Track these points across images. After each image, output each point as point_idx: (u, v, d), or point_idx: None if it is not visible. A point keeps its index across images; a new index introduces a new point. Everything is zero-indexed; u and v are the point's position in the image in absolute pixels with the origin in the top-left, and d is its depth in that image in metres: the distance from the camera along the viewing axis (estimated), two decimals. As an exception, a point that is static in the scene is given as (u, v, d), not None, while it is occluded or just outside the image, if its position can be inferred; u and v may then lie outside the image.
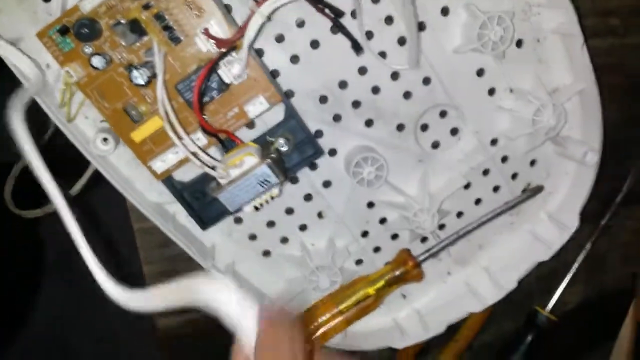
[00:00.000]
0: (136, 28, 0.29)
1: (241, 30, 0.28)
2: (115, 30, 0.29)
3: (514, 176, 0.40)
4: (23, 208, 0.37)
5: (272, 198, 0.32)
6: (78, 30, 0.28)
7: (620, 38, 0.44)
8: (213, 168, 0.30)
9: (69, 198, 0.35)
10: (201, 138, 0.32)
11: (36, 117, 0.30)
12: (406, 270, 0.38)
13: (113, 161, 0.34)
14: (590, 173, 0.39)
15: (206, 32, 0.29)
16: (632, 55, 0.44)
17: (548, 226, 0.41)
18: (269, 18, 0.29)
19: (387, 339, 0.41)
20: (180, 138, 0.29)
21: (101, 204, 0.41)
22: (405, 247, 0.40)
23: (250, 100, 0.31)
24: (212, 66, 0.29)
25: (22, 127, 0.25)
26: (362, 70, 0.36)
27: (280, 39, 0.34)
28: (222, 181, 0.30)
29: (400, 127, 0.38)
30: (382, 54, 0.36)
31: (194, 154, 0.30)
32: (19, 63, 0.29)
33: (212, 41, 0.29)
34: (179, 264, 0.39)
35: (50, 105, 0.31)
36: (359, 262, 0.41)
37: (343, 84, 0.36)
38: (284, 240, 0.39)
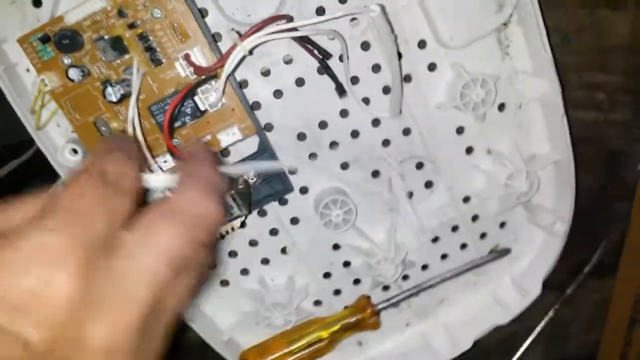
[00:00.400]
0: (118, 45, 0.29)
1: (221, 61, 0.28)
2: (97, 44, 0.29)
3: (483, 236, 0.40)
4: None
5: (233, 229, 0.31)
6: (59, 41, 0.28)
7: (604, 113, 0.44)
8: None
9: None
10: (169, 161, 0.31)
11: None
12: (364, 317, 0.38)
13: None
14: (557, 243, 0.39)
15: (187, 58, 0.29)
16: (614, 130, 0.45)
17: (510, 290, 0.40)
18: (250, 52, 0.29)
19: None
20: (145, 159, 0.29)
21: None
22: (366, 294, 0.39)
23: (224, 130, 0.31)
24: (188, 92, 0.29)
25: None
26: (344, 113, 0.36)
27: (266, 73, 0.34)
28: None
29: (375, 174, 0.38)
30: (366, 100, 0.36)
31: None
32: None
33: (191, 68, 0.29)
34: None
35: (23, 109, 0.30)
36: (317, 302, 0.40)
37: (323, 124, 0.36)
38: (244, 271, 0.38)
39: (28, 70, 0.32)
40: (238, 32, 0.28)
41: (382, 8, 0.28)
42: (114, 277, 0.16)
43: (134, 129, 0.28)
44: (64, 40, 0.28)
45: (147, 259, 0.16)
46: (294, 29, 0.28)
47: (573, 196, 0.38)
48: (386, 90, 0.36)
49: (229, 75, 0.28)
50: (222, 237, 0.31)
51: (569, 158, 0.37)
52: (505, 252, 0.40)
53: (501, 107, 0.37)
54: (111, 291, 0.16)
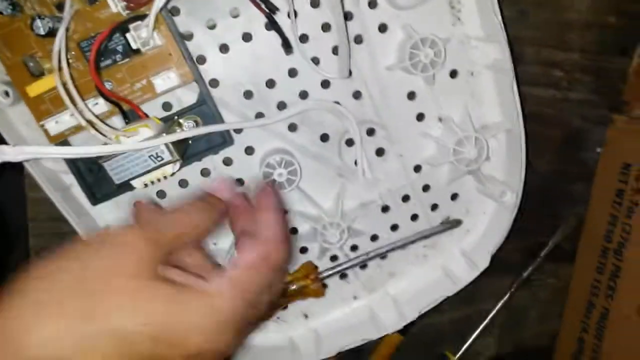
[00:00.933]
0: (49, -23, 0.28)
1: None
2: (27, -24, 0.28)
3: (434, 207, 0.39)
4: None
5: (165, 177, 0.30)
6: (-12, -29, 0.27)
7: (562, 91, 0.44)
8: (104, 135, 0.28)
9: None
10: (101, 104, 0.30)
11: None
12: (307, 283, 0.36)
13: (11, 117, 0.32)
14: (507, 215, 0.38)
15: (117, -8, 0.28)
16: (573, 110, 0.45)
17: (459, 262, 0.39)
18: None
19: (280, 357, 0.39)
20: (72, 99, 0.28)
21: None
22: (311, 261, 0.38)
23: (160, 74, 0.30)
24: (118, 26, 0.28)
25: None
26: (292, 73, 0.35)
27: (212, 26, 0.33)
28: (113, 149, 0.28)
29: (324, 138, 0.37)
30: (315, 60, 0.35)
31: (88, 120, 0.28)
32: None
33: (123, 2, 0.28)
34: (68, 242, 0.36)
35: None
36: (261, 269, 0.39)
37: (271, 83, 0.35)
38: (185, 233, 0.37)
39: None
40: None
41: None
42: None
43: (59, 63, 0.27)
44: (-7, -29, 0.27)
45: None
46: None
47: (523, 167, 0.37)
48: (336, 50, 0.35)
49: (160, 10, 0.28)
50: (152, 184, 0.30)
51: (520, 127, 0.36)
52: (456, 223, 0.39)
53: (453, 73, 0.37)
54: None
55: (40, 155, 0.25)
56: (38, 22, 0.27)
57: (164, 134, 0.29)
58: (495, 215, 0.39)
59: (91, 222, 0.35)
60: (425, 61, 0.34)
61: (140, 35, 0.28)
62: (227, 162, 0.36)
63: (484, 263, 0.38)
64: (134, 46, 0.29)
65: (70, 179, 0.34)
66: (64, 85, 0.28)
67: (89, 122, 0.29)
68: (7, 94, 0.31)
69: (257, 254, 0.24)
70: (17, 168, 0.34)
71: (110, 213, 0.35)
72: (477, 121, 0.38)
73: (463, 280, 0.38)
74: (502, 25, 0.34)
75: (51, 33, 0.28)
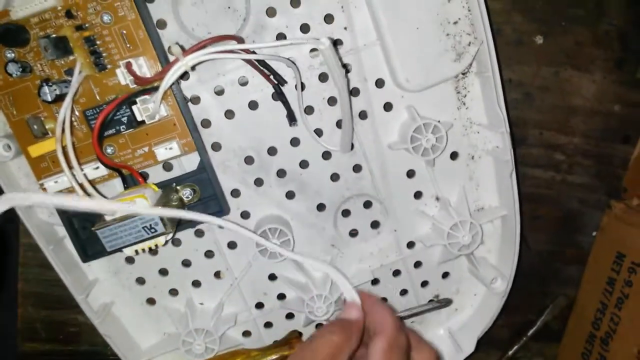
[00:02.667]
0: (62, 45, 0.28)
1: (160, 74, 0.27)
2: (41, 42, 0.28)
3: (424, 284, 0.39)
4: None
5: (157, 247, 0.30)
6: (3, 34, 0.28)
7: (562, 174, 0.44)
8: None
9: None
10: (101, 168, 0.30)
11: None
12: (290, 353, 0.36)
13: (12, 170, 0.32)
14: (496, 300, 0.38)
15: (128, 67, 0.28)
16: (571, 193, 0.45)
17: (445, 343, 0.39)
18: (193, 68, 0.28)
19: None
20: (69, 164, 0.28)
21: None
22: (297, 330, 0.38)
23: (163, 143, 0.31)
24: (125, 100, 0.28)
25: None
26: (295, 142, 0.36)
27: (220, 92, 0.34)
28: (108, 217, 0.29)
29: (320, 207, 0.37)
30: (319, 132, 0.35)
31: (81, 185, 0.28)
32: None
33: (136, 77, 0.28)
34: (56, 289, 0.36)
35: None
36: (246, 333, 0.39)
37: (272, 150, 0.35)
38: (173, 292, 0.37)
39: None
40: (182, 47, 0.28)
41: (333, 42, 0.28)
42: None
43: (63, 130, 0.27)
44: (8, 34, 0.28)
45: None
46: (245, 52, 0.28)
47: (516, 255, 0.38)
48: (340, 124, 0.36)
49: (168, 89, 0.28)
50: (144, 251, 0.30)
51: (515, 215, 0.37)
52: (447, 302, 0.39)
53: (453, 155, 0.37)
54: None
55: (47, 203, 0.25)
56: (45, 89, 0.28)
57: (159, 207, 0.29)
58: (485, 299, 0.39)
59: (80, 275, 0.35)
60: (427, 146, 0.34)
61: (146, 108, 0.29)
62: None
63: (470, 347, 0.38)
64: (139, 118, 0.29)
65: (63, 231, 0.34)
66: (64, 149, 0.28)
67: (83, 187, 0.29)
68: (9, 147, 0.31)
69: (387, 342, 0.25)
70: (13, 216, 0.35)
71: (100, 267, 0.35)
72: (473, 204, 0.38)
73: (448, 362, 0.38)
74: (506, 117, 0.34)
75: (58, 97, 0.28)
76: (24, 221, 0.32)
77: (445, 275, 0.39)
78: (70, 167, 0.28)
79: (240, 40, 0.30)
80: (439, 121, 0.35)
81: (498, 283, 0.37)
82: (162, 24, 0.32)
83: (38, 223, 0.33)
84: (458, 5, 0.33)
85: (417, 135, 0.34)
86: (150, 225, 0.29)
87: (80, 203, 0.21)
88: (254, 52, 0.31)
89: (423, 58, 0.33)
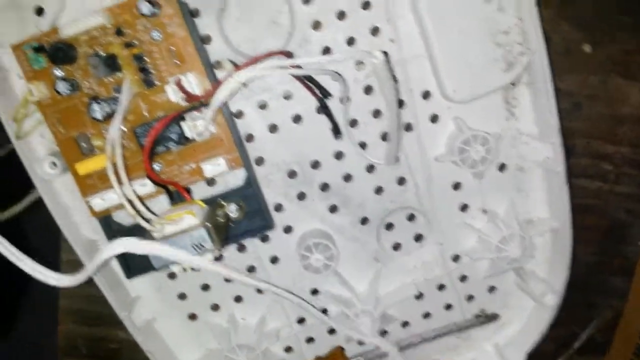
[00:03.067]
0: (111, 63, 0.28)
1: (212, 91, 0.27)
2: (89, 60, 0.28)
3: (470, 298, 0.39)
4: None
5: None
6: (53, 52, 0.28)
7: (609, 184, 0.43)
8: (147, 220, 0.28)
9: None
10: (148, 184, 0.30)
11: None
12: (335, 371, 0.36)
13: (57, 187, 0.32)
14: (546, 315, 0.37)
15: (178, 84, 0.28)
16: (617, 203, 0.43)
17: (494, 358, 0.38)
18: (244, 85, 0.28)
19: None
20: (119, 180, 0.28)
21: (36, 228, 0.39)
22: (340, 346, 0.37)
23: (210, 160, 0.30)
24: (175, 117, 0.28)
25: None
26: (339, 155, 0.35)
27: (264, 106, 0.33)
28: (155, 235, 0.28)
29: (364, 221, 0.36)
30: (363, 145, 0.35)
31: (130, 201, 0.28)
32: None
33: (185, 93, 0.28)
34: (97, 306, 0.36)
35: (7, 115, 0.30)
36: (288, 349, 0.38)
37: (316, 164, 0.35)
38: (215, 307, 0.37)
39: (20, 76, 0.31)
40: (234, 63, 0.27)
41: (386, 55, 0.28)
42: None
43: (113, 148, 0.27)
44: (58, 52, 0.28)
45: None
46: (291, 67, 0.27)
47: (568, 267, 0.36)
48: (385, 136, 0.35)
49: (219, 106, 0.27)
50: (186, 270, 0.29)
51: (568, 228, 0.35)
52: (492, 317, 0.38)
53: (501, 167, 0.36)
54: None
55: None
56: (95, 107, 0.27)
57: (206, 223, 0.28)
58: (533, 313, 0.38)
59: (123, 292, 0.35)
60: (476, 158, 0.33)
61: (196, 125, 0.28)
62: (265, 239, 0.36)
63: (519, 361, 0.37)
64: (188, 135, 0.29)
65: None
66: (114, 166, 0.28)
67: (132, 203, 0.29)
68: (54, 164, 0.31)
69: None
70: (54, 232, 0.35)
71: (142, 284, 0.35)
72: (522, 216, 0.37)
73: (495, 381, 0.37)
74: (559, 127, 0.33)
75: (108, 115, 0.28)
76: (67, 237, 0.32)
77: (491, 289, 0.39)
78: (120, 184, 0.27)
79: (289, 55, 0.30)
80: (487, 132, 0.34)
81: (548, 297, 0.36)
82: (207, 39, 0.32)
83: (82, 240, 0.33)
84: (509, 14, 0.32)
85: (466, 147, 0.33)
86: (200, 242, 0.28)
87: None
88: (292, 67, 0.30)
89: (472, 68, 0.33)
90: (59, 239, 0.35)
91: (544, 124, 0.34)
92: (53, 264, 0.36)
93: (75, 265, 0.36)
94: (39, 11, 0.31)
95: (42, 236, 0.35)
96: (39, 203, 0.32)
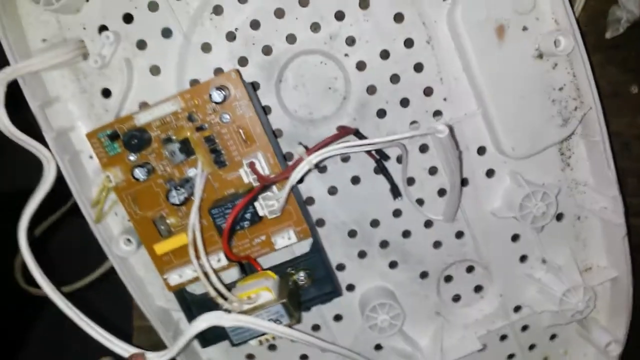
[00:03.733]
0: (186, 148, 0.29)
1: (285, 173, 0.28)
2: (165, 148, 0.29)
3: (532, 347, 0.39)
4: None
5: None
6: (128, 140, 0.29)
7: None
8: (224, 297, 0.29)
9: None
10: (222, 260, 0.31)
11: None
12: None
13: (132, 262, 0.33)
14: (611, 363, 0.37)
15: (251, 166, 0.29)
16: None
17: (559, 409, 0.38)
18: (316, 166, 0.29)
19: None
20: (199, 261, 0.29)
21: (106, 297, 0.40)
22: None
23: (280, 233, 0.31)
24: (251, 200, 0.29)
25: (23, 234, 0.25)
26: (397, 213, 0.35)
27: (322, 169, 0.34)
28: (233, 311, 0.29)
29: (423, 275, 0.37)
30: (420, 201, 0.35)
31: (209, 278, 0.29)
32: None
33: (256, 174, 0.29)
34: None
35: (83, 199, 0.31)
36: (355, 404, 0.39)
37: (375, 223, 0.36)
38: (284, 367, 0.37)
39: (91, 157, 0.32)
40: (305, 146, 0.28)
41: (450, 129, 0.28)
42: None
43: (194, 234, 0.28)
44: (132, 140, 0.29)
45: None
46: (362, 145, 0.28)
47: (629, 317, 0.37)
48: (441, 192, 0.35)
49: (293, 187, 0.28)
50: (267, 341, 0.30)
51: (628, 276, 0.36)
52: (555, 366, 0.38)
53: (559, 217, 0.36)
54: None
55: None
56: (174, 193, 0.28)
57: (283, 299, 0.29)
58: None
59: (196, 357, 0.36)
60: (537, 214, 0.34)
61: (268, 205, 0.29)
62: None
63: (585, 412, 0.37)
64: (261, 214, 0.30)
65: (177, 315, 0.35)
66: (195, 247, 0.29)
67: (208, 277, 0.30)
68: (129, 241, 0.32)
69: None
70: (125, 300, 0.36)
71: (213, 349, 0.36)
72: (581, 264, 0.37)
73: None
74: (617, 181, 0.34)
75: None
76: (141, 308, 0.33)
77: (553, 336, 0.39)
78: (198, 258, 0.28)
79: (356, 132, 0.31)
80: (543, 184, 0.34)
81: (612, 347, 0.36)
82: (267, 110, 0.33)
83: (155, 309, 0.34)
84: (563, 71, 0.33)
85: (526, 203, 0.34)
86: (277, 317, 0.29)
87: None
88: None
89: (529, 126, 0.33)
90: (130, 307, 0.36)
91: (600, 175, 0.35)
92: (125, 331, 0.37)
93: (146, 331, 0.37)
94: (106, 93, 0.32)
95: (114, 303, 0.36)
96: (111, 271, 0.33)
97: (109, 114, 0.32)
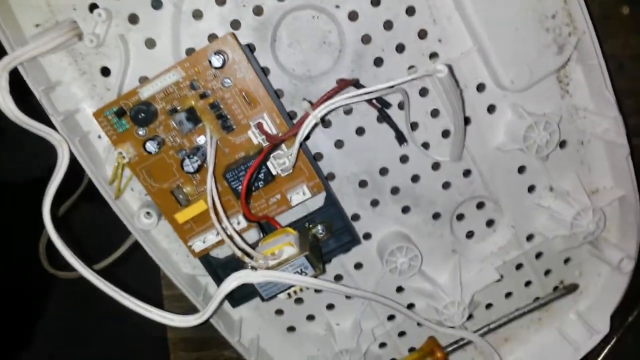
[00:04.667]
0: (192, 117, 0.30)
1: (294, 129, 0.28)
2: (172, 118, 0.30)
3: (547, 272, 0.40)
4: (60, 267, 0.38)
5: (307, 288, 0.32)
6: (135, 115, 0.29)
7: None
8: (250, 256, 0.30)
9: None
10: (242, 222, 0.32)
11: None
12: (434, 358, 0.38)
13: (154, 235, 0.34)
14: (624, 279, 0.38)
15: (259, 127, 0.29)
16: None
17: (577, 327, 0.40)
18: (321, 120, 0.29)
19: None
20: (222, 224, 0.29)
21: (132, 271, 0.41)
22: (432, 336, 0.39)
23: (294, 189, 0.32)
24: (263, 160, 0.29)
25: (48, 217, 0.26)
26: (404, 159, 0.36)
27: (327, 124, 0.35)
28: (260, 268, 0.30)
29: (436, 216, 0.38)
30: (425, 145, 0.36)
31: (233, 239, 0.30)
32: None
33: (264, 134, 0.29)
34: (201, 332, 0.39)
35: (99, 178, 0.32)
36: (382, 345, 0.40)
37: (384, 171, 0.36)
38: (310, 317, 0.39)
39: (99, 137, 0.33)
40: (310, 102, 0.29)
41: (450, 68, 0.29)
42: None
43: (213, 200, 0.29)
44: (139, 114, 0.29)
45: None
46: (363, 94, 0.29)
47: (639, 232, 0.38)
48: (445, 134, 0.36)
49: (301, 143, 0.29)
50: (295, 293, 0.31)
51: (634, 193, 0.37)
52: (573, 288, 0.40)
53: (562, 144, 0.37)
54: None
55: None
56: (187, 162, 0.29)
57: (305, 251, 0.30)
58: (610, 279, 0.39)
59: (227, 317, 0.37)
60: (541, 143, 0.34)
61: (280, 163, 0.30)
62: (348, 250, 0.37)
63: (604, 327, 0.39)
64: (274, 173, 0.30)
65: (205, 280, 0.36)
66: (215, 211, 0.29)
67: (233, 240, 0.30)
68: (148, 214, 0.33)
69: None
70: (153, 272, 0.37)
71: (242, 308, 0.37)
72: (588, 187, 0.38)
73: (585, 346, 0.39)
74: (615, 102, 0.34)
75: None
76: (170, 277, 0.34)
77: (566, 260, 0.40)
78: (221, 224, 0.29)
79: (356, 83, 0.31)
80: (544, 114, 0.35)
81: (624, 263, 0.38)
82: (265, 71, 0.33)
83: (183, 277, 0.35)
84: (553, -2, 0.33)
85: (529, 134, 0.34)
86: (302, 269, 0.30)
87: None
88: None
89: (525, 57, 0.33)
90: (158, 277, 0.37)
91: (599, 98, 0.35)
92: (156, 301, 0.39)
93: (177, 299, 0.39)
94: (105, 72, 0.32)
95: (142, 276, 0.37)
96: (134, 247, 0.34)
97: (111, 92, 0.32)
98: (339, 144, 0.35)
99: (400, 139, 0.35)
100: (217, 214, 0.29)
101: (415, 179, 0.37)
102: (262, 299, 0.31)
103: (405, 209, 0.37)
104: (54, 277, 0.39)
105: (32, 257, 0.38)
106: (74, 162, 0.30)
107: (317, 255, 0.32)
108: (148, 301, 0.31)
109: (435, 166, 0.37)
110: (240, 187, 0.29)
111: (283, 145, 0.30)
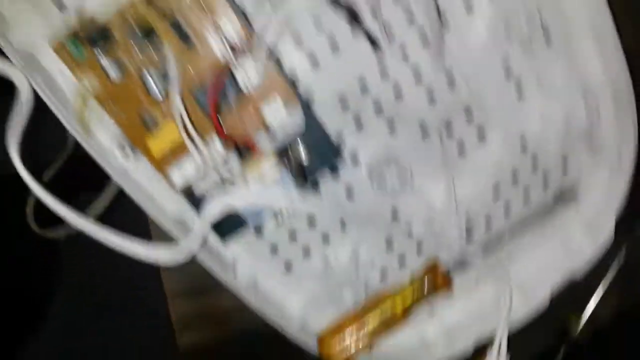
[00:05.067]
0: (148, 32, 0.28)
1: (254, 33, 0.27)
2: (130, 38, 0.28)
3: (545, 181, 0.38)
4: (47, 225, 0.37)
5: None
6: (92, 41, 0.28)
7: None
8: (231, 182, 0.28)
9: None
10: (217, 146, 0.30)
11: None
12: (435, 281, 0.36)
13: (134, 176, 0.33)
14: (624, 177, 0.37)
15: (219, 35, 0.28)
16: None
17: (581, 234, 0.38)
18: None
19: (413, 357, 0.40)
20: (195, 145, 0.28)
21: (121, 222, 0.40)
22: (435, 256, 0.38)
23: (267, 104, 0.30)
24: (228, 71, 0.28)
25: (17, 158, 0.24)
26: (384, 74, 0.35)
27: (299, 42, 0.33)
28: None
29: (424, 131, 0.36)
30: (405, 57, 0.34)
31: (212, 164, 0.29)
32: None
33: (227, 44, 0.28)
34: (201, 280, 0.38)
35: (70, 120, 0.30)
36: (383, 274, 0.39)
37: (364, 89, 0.35)
38: (306, 253, 0.37)
39: (61, 72, 0.31)
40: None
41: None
42: None
43: (182, 119, 0.27)
44: (97, 40, 0.28)
45: None
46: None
47: (635, 126, 0.36)
48: (424, 42, 0.34)
49: (268, 49, 0.27)
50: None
51: (626, 82, 0.35)
52: (572, 195, 0.38)
53: (547, 36, 0.35)
54: None
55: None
56: (151, 83, 0.28)
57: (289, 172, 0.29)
58: (611, 179, 0.38)
59: (221, 260, 0.36)
60: (524, 38, 0.33)
61: (249, 74, 0.28)
62: (335, 176, 0.36)
63: (608, 230, 0.37)
64: (242, 87, 0.29)
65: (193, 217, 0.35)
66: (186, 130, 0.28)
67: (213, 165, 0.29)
68: (123, 148, 0.31)
69: None
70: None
71: (235, 248, 0.36)
72: (579, 84, 0.36)
73: (589, 254, 0.37)
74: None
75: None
76: (157, 221, 0.33)
77: (564, 166, 0.38)
78: (196, 148, 0.28)
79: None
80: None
81: (623, 160, 0.36)
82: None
83: (168, 214, 0.34)
84: None
85: (511, 24, 0.33)
86: (287, 189, 0.29)
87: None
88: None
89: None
90: (147, 223, 0.36)
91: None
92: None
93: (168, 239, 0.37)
94: (60, 6, 0.31)
95: (131, 223, 0.36)
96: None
97: (67, 24, 0.31)
98: (314, 63, 0.34)
99: (375, 45, 0.33)
100: (187, 132, 0.28)
101: (398, 94, 0.35)
102: (239, 224, 0.29)
103: (392, 129, 0.36)
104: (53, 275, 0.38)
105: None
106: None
107: (300, 176, 0.31)
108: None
109: (418, 79, 0.35)
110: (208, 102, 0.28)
111: (250, 57, 0.29)
